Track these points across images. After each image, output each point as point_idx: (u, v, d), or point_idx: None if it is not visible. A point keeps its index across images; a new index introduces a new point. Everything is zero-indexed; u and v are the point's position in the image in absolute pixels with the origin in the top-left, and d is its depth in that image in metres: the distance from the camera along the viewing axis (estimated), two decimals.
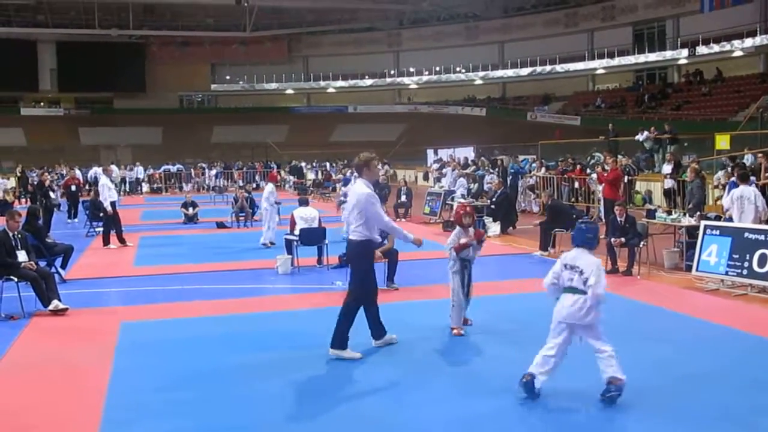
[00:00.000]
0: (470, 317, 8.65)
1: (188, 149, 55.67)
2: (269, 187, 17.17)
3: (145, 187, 41.52)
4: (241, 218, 20.82)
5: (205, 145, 60.23)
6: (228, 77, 69.82)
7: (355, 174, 8.01)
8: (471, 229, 8.51)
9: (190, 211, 22.18)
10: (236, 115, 65.90)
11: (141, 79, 66.29)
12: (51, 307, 9.59)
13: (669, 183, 20.38)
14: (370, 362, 7.31)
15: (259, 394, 6.41)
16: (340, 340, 7.35)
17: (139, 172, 41.44)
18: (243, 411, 6.02)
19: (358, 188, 7.51)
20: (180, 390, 6.53)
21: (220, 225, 20.63)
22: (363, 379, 6.78)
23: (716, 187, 17.92)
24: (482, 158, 30.14)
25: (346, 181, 19.20)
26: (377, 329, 7.73)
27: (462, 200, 20.42)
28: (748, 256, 10.46)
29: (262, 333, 8.56)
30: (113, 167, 34.32)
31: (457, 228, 8.55)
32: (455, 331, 8.31)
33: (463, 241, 8.29)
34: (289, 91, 69.74)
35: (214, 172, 43.11)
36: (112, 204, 16.74)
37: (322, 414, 5.94)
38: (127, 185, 39.58)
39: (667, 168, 21.09)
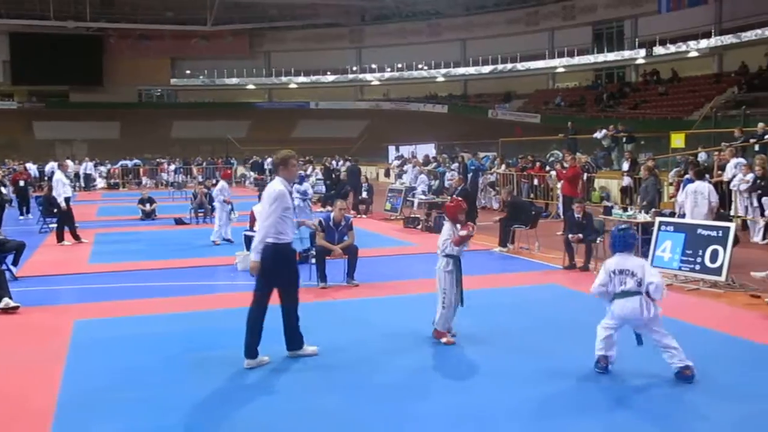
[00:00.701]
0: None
1: (147, 144, 54.96)
2: (220, 184, 17.14)
3: (101, 183, 40.87)
4: (200, 214, 20.65)
5: (164, 140, 59.50)
6: (188, 72, 69.06)
7: (314, 171, 7.90)
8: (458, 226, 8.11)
9: (148, 207, 21.93)
10: (196, 110, 65.27)
11: (98, 72, 65.25)
12: (1, 305, 9.38)
13: (626, 180, 20.68)
14: (327, 361, 7.28)
15: (214, 392, 6.36)
16: (248, 348, 6.94)
17: (88, 167, 40.09)
18: (198, 410, 5.96)
19: (272, 185, 7.06)
20: (135, 389, 6.44)
21: (179, 221, 20.43)
22: (319, 377, 6.76)
23: (671, 184, 18.21)
24: (443, 155, 30.27)
25: (301, 179, 19.11)
26: (288, 340, 7.21)
27: (423, 197, 20.50)
28: (700, 251, 10.65)
29: (220, 330, 8.47)
30: (69, 162, 33.75)
31: (448, 224, 8.15)
32: (444, 339, 7.72)
33: (463, 233, 7.90)
34: (251, 87, 69.24)
35: (172, 167, 42.63)
36: (66, 200, 16.46)
37: (275, 412, 5.91)
38: (82, 180, 38.80)
39: (625, 165, 21.41)
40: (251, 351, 6.94)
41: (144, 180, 41.00)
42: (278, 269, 6.93)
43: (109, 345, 7.93)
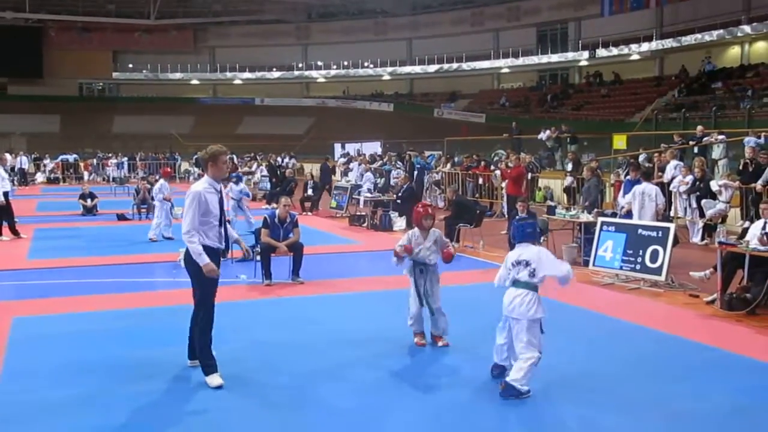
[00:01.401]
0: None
1: (88, 139, 53.80)
2: (160, 182, 16.95)
3: (41, 177, 39.88)
4: (143, 210, 20.30)
5: (105, 134, 58.34)
6: (131, 65, 67.76)
7: (260, 168, 7.67)
8: (435, 236, 7.69)
9: (89, 202, 21.50)
10: (139, 104, 64.04)
11: (38, 64, 63.52)
12: None
13: (568, 180, 21.01)
14: (272, 358, 7.22)
15: (156, 391, 6.26)
16: (205, 365, 6.50)
17: (23, 162, 38.74)
18: (140, 409, 5.86)
19: (195, 184, 6.61)
20: (75, 388, 6.30)
21: (121, 217, 20.08)
22: (266, 371, 6.71)
23: (612, 185, 18.55)
24: (389, 153, 30.32)
25: (238, 178, 18.96)
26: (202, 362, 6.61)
27: (368, 195, 20.50)
28: (641, 251, 10.87)
29: (163, 328, 8.35)
30: (8, 156, 32.81)
31: (415, 230, 7.78)
32: (416, 339, 7.66)
33: (397, 248, 7.57)
34: (195, 82, 68.33)
35: (114, 162, 41.79)
36: (5, 194, 16.01)
37: (219, 410, 5.84)
38: (19, 175, 37.69)
39: (569, 166, 21.76)
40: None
41: (87, 175, 40.05)
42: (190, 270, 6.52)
43: (49, 342, 7.75)
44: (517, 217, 6.76)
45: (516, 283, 6.19)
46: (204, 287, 6.51)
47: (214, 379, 6.35)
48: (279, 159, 34.10)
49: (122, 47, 66.29)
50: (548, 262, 6.19)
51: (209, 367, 6.42)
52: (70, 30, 63.40)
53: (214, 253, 6.48)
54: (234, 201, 16.79)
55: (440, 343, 7.58)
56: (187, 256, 6.48)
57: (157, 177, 20.82)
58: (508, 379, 6.04)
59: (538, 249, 6.32)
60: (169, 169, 21.17)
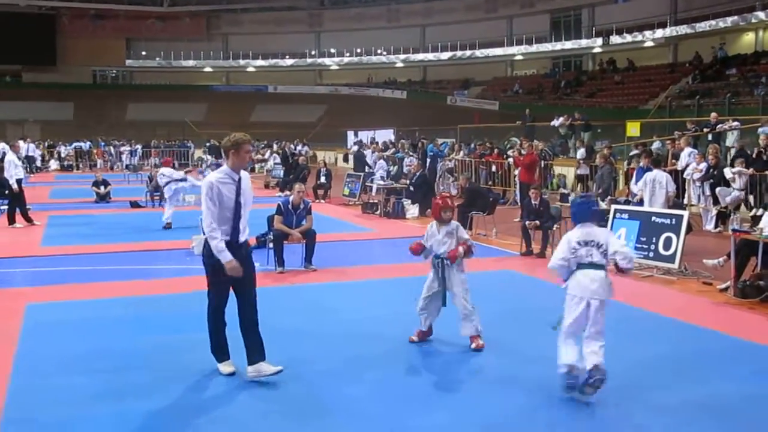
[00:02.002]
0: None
1: (101, 126, 53.98)
2: (160, 170, 17.11)
3: (54, 165, 40.04)
4: (156, 198, 20.36)
5: (119, 122, 58.57)
6: (144, 53, 67.93)
7: (272, 155, 7.22)
8: (450, 228, 7.25)
9: (102, 190, 21.61)
10: (152, 92, 64.21)
11: (51, 52, 63.79)
12: None
13: (583, 169, 20.93)
14: (288, 347, 7.25)
15: (170, 377, 6.29)
16: (213, 351, 6.42)
17: (31, 149, 38.15)
18: (153, 395, 5.89)
19: (210, 174, 6.31)
20: (89, 374, 6.33)
21: (134, 204, 20.17)
22: (282, 362, 6.73)
23: (626, 172, 18.46)
24: (402, 141, 30.28)
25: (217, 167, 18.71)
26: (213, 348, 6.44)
27: (381, 182, 20.47)
28: (654, 239, 10.84)
29: (176, 315, 8.39)
30: (21, 143, 32.88)
31: (433, 222, 7.42)
32: (413, 335, 7.36)
33: (413, 244, 7.29)
34: (208, 69, 68.41)
35: (128, 149, 41.89)
36: (18, 182, 16.11)
37: (237, 401, 5.88)
38: (26, 163, 37.49)
39: (579, 153, 21.66)
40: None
41: (101, 162, 40.15)
42: (215, 265, 6.11)
43: (62, 329, 7.80)
44: (580, 195, 6.48)
45: (591, 265, 5.92)
46: (211, 285, 6.26)
47: (225, 367, 6.31)
48: (293, 147, 34.05)
49: (135, 35, 66.48)
50: (616, 242, 6.11)
51: (217, 356, 6.37)
52: (83, 17, 63.60)
53: (229, 248, 6.06)
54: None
55: (473, 345, 7.07)
56: (207, 249, 6.12)
57: (171, 165, 20.84)
58: (598, 364, 5.71)
59: (604, 229, 6.20)
60: (170, 159, 21.12)
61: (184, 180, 16.68)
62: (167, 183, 16.59)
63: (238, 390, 5.99)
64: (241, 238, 6.17)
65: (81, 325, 7.97)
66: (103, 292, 9.61)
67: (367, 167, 24.14)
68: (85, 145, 42.09)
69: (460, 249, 7.15)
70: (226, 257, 5.98)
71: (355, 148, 33.61)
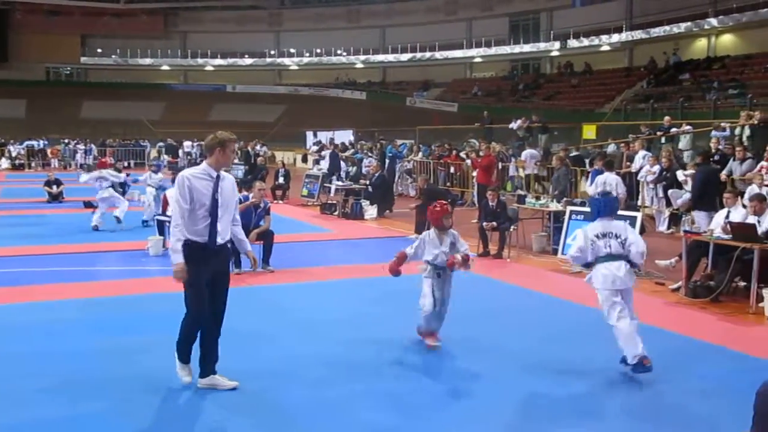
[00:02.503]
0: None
1: (55, 124, 52.99)
2: (97, 173, 16.85)
3: (5, 163, 39.30)
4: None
5: (73, 120, 57.52)
6: (100, 50, 66.82)
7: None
8: (452, 238, 7.19)
9: (54, 189, 21.23)
10: (108, 90, 63.18)
11: (3, 48, 62.44)
12: None
13: (529, 169, 21.30)
14: (244, 346, 7.20)
15: (124, 379, 6.21)
16: (179, 353, 6.04)
17: None
18: (108, 398, 5.82)
19: (184, 171, 5.98)
20: (42, 378, 6.22)
21: (88, 204, 19.79)
22: (235, 362, 6.69)
23: (583, 175, 18.70)
24: (361, 141, 30.28)
25: (158, 167, 18.50)
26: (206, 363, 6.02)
27: (340, 183, 20.43)
28: None
29: (131, 317, 8.30)
30: None
31: (430, 231, 7.36)
32: (428, 341, 7.19)
33: (449, 260, 7.04)
34: (165, 68, 67.58)
35: (82, 148, 41.24)
36: None
37: (190, 401, 5.83)
38: None
39: (526, 154, 21.99)
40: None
41: (56, 162, 39.49)
42: (190, 269, 5.75)
43: (13, 332, 7.65)
44: (599, 192, 6.96)
45: (610, 256, 6.35)
46: (185, 291, 5.85)
47: (184, 373, 6.02)
48: (258, 147, 33.85)
49: (91, 31, 65.36)
50: (634, 235, 6.51)
51: (181, 356, 6.03)
52: (37, 12, 62.38)
53: (200, 249, 5.73)
54: (154, 190, 16.54)
55: (429, 342, 7.19)
56: (186, 254, 5.73)
57: (126, 164, 20.58)
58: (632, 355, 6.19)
59: (622, 222, 6.64)
60: (105, 160, 20.63)
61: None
62: (111, 184, 16.39)
63: (193, 392, 5.93)
64: (218, 241, 5.84)
65: (33, 327, 7.83)
66: (55, 294, 9.45)
67: (345, 169, 23.79)
68: (38, 144, 41.32)
69: (458, 257, 7.02)
70: (176, 258, 5.66)
71: (315, 148, 33.56)
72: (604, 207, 6.65)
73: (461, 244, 7.22)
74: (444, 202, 7.92)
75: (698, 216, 12.94)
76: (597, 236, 6.43)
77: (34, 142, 41.35)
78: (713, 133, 18.42)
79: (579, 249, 6.52)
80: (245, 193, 12.04)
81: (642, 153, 17.38)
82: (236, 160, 29.49)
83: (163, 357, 6.62)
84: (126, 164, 35.24)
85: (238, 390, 5.95)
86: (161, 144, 42.09)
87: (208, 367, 5.97)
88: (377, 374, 6.46)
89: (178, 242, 5.69)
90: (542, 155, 21.68)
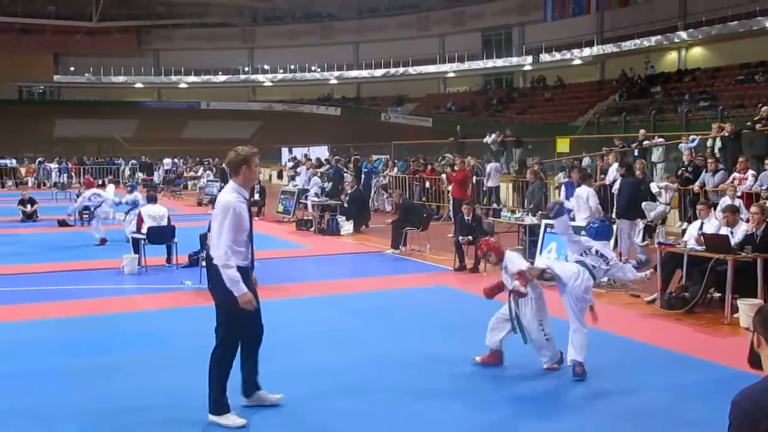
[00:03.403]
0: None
1: (27, 143, 52.55)
2: (87, 193, 17.26)
3: None
4: (85, 216, 19.88)
5: (46, 139, 57.07)
6: (72, 68, 66.43)
7: (206, 172, 6.62)
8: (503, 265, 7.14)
9: (29, 208, 20.99)
10: (81, 108, 62.79)
11: None
12: None
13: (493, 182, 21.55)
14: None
15: (97, 400, 6.14)
16: (216, 402, 5.60)
17: None
18: (80, 420, 5.74)
19: (223, 194, 5.63)
20: (13, 399, 6.14)
21: (62, 223, 19.64)
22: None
23: (557, 188, 18.83)
24: (336, 157, 30.26)
25: (131, 188, 18.37)
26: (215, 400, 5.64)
27: (315, 199, 20.40)
28: None
29: (106, 335, 8.21)
30: None
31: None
32: (478, 357, 7.04)
33: (487, 287, 7.21)
34: (139, 85, 67.31)
35: (55, 166, 40.78)
36: None
37: (163, 416, 5.77)
38: None
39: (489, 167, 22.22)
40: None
41: (31, 180, 39.10)
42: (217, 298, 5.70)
43: None
44: (599, 218, 7.38)
45: (590, 268, 6.80)
46: (230, 322, 5.55)
47: (237, 419, 5.55)
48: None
49: (63, 49, 65.02)
50: (617, 265, 7.08)
51: (222, 407, 5.59)
52: (8, 31, 61.83)
53: (245, 274, 5.52)
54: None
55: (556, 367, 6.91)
56: (216, 281, 5.53)
57: (101, 182, 20.47)
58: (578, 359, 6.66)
59: (613, 252, 7.17)
60: (91, 179, 20.57)
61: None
62: (101, 203, 16.60)
63: (169, 414, 5.87)
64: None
65: (6, 347, 7.71)
66: (28, 314, 9.33)
67: (320, 185, 23.34)
68: (9, 162, 40.89)
69: (516, 283, 6.76)
70: (241, 289, 5.38)
71: (291, 164, 33.42)
72: (601, 231, 7.11)
73: (511, 267, 7.02)
74: (488, 240, 7.86)
75: (623, 224, 13.02)
76: (595, 251, 6.91)
77: (7, 161, 40.90)
78: (681, 145, 18.65)
79: (575, 243, 7.03)
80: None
81: (615, 165, 17.51)
82: (211, 177, 29.41)
83: (137, 377, 6.57)
84: (101, 182, 34.97)
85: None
86: (134, 161, 41.79)
87: (256, 385, 5.87)
88: (359, 390, 6.43)
89: (237, 273, 5.40)
90: (517, 169, 21.80)
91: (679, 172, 16.80)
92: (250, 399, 5.86)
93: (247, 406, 5.80)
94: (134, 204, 15.72)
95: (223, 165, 31.43)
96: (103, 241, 15.81)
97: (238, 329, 5.59)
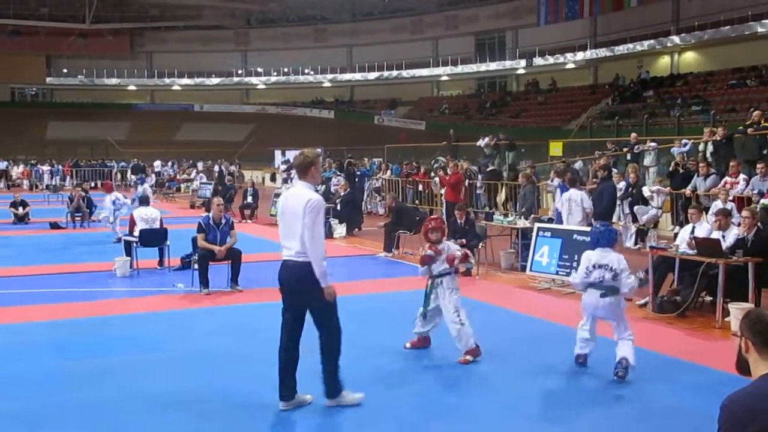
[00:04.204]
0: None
1: (20, 145, 52.46)
2: (112, 196, 17.70)
3: None
4: (77, 218, 19.85)
5: (39, 141, 56.96)
6: (65, 70, 66.33)
7: (199, 174, 7.02)
8: (444, 247, 7.56)
9: (20, 210, 20.93)
10: (74, 110, 62.71)
11: None
12: None
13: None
14: (216, 366, 7.14)
15: (92, 403, 6.12)
16: (334, 386, 6.03)
17: None
18: (75, 423, 5.73)
19: (304, 192, 5.90)
20: (6, 402, 6.11)
21: (54, 225, 19.59)
22: (199, 382, 6.63)
23: (549, 192, 18.84)
24: (329, 160, 30.24)
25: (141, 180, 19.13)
26: (333, 383, 6.06)
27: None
28: (576, 256, 11.02)
29: (97, 339, 8.18)
30: None
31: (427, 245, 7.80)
32: (408, 342, 7.70)
33: (423, 253, 7.58)
34: (132, 88, 67.23)
35: (47, 168, 40.70)
36: None
37: (156, 419, 5.76)
38: None
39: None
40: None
41: (26, 182, 39.02)
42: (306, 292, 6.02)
43: None
44: (600, 223, 7.38)
45: (599, 285, 6.82)
46: (329, 307, 6.00)
47: (353, 396, 6.05)
48: (233, 167, 33.63)
49: (56, 51, 64.93)
50: (626, 271, 6.85)
51: (339, 388, 6.03)
52: (1, 33, 61.73)
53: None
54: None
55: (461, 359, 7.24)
56: (303, 277, 5.88)
57: (92, 185, 20.46)
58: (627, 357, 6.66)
59: (617, 255, 6.96)
60: (110, 183, 20.95)
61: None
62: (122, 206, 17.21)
63: (161, 413, 5.86)
64: None
65: None
66: (20, 316, 9.30)
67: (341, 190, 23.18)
68: (2, 165, 40.78)
69: (457, 253, 7.48)
70: (329, 281, 5.88)
71: (284, 167, 33.38)
72: (602, 238, 7.03)
73: (453, 248, 7.66)
74: (437, 217, 8.45)
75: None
76: (594, 266, 6.87)
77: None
78: (673, 149, 18.69)
79: (578, 277, 7.08)
80: (207, 213, 12.01)
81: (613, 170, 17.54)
82: (205, 179, 29.38)
83: (129, 380, 6.55)
84: (92, 185, 34.90)
85: (213, 410, 5.89)
86: (123, 164, 41.73)
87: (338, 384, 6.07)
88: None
89: (325, 264, 5.86)
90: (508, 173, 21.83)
91: (672, 167, 16.85)
92: (287, 403, 6.02)
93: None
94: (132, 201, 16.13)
95: (220, 167, 31.67)
96: (119, 240, 15.70)
97: (335, 310, 6.02)
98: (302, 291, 5.96)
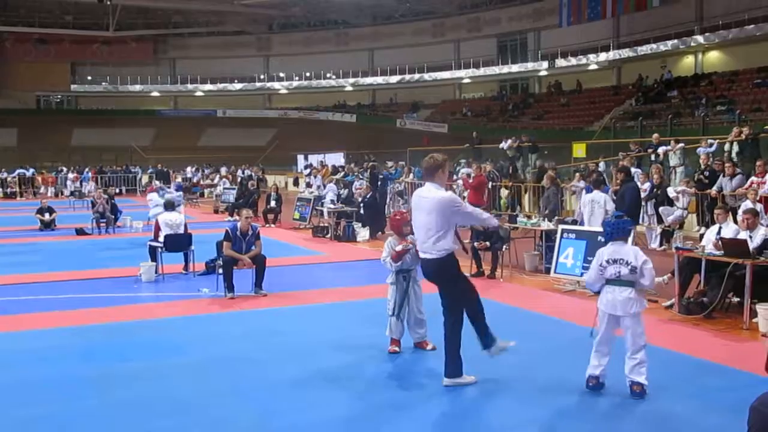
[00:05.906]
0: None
1: (46, 152, 53.07)
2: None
3: None
4: (102, 224, 20.03)
5: (64, 147, 57.55)
6: (90, 78, 66.99)
7: (222, 179, 7.36)
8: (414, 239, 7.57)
9: (47, 217, 21.16)
10: (98, 117, 63.34)
11: None
12: None
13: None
14: (240, 370, 7.17)
15: (116, 407, 6.17)
16: (455, 367, 6.59)
17: None
18: (100, 427, 5.78)
19: (434, 193, 6.48)
20: (34, 406, 6.19)
21: (80, 231, 19.78)
22: (228, 386, 6.66)
23: (573, 193, 18.74)
24: (351, 164, 30.34)
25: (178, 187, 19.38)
26: (485, 338, 6.80)
27: (331, 206, 20.47)
28: None
29: (124, 343, 8.25)
30: None
31: (392, 237, 7.94)
32: (390, 347, 7.74)
33: (398, 248, 7.59)
34: (155, 94, 67.76)
35: (71, 175, 41.06)
36: None
37: (181, 423, 5.79)
38: None
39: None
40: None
41: (50, 189, 39.39)
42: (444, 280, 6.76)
43: (5, 360, 7.60)
44: (614, 213, 7.10)
45: (617, 281, 6.45)
46: (466, 288, 6.78)
47: (469, 378, 6.60)
48: (250, 171, 33.74)
49: (80, 59, 65.63)
50: (643, 262, 6.44)
51: (460, 370, 6.59)
52: (27, 41, 62.58)
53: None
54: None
55: (428, 347, 7.75)
56: (440, 268, 6.56)
57: (117, 190, 20.68)
58: (637, 379, 6.31)
59: (632, 247, 6.68)
60: (153, 186, 21.55)
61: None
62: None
63: (181, 417, 5.89)
64: None
65: (23, 356, 7.78)
66: (46, 322, 9.39)
67: (336, 191, 23.40)
68: (28, 172, 41.23)
69: (399, 247, 7.58)
70: (494, 222, 7.72)
71: (306, 171, 33.53)
72: (616, 230, 6.71)
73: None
74: (403, 211, 8.44)
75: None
76: (608, 261, 6.51)
77: (25, 170, 41.25)
78: (699, 149, 18.52)
79: (590, 277, 6.76)
80: (236, 218, 12.05)
81: (632, 170, 17.41)
82: (228, 184, 29.51)
83: (155, 384, 6.60)
84: (117, 191, 35.19)
85: (228, 412, 5.92)
86: (151, 170, 42.00)
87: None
88: (375, 394, 6.43)
89: (486, 216, 7.19)
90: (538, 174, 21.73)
91: (696, 176, 16.70)
92: (452, 379, 6.59)
93: None
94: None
95: (246, 172, 31.76)
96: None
97: (470, 288, 6.82)
98: (439, 282, 6.66)
